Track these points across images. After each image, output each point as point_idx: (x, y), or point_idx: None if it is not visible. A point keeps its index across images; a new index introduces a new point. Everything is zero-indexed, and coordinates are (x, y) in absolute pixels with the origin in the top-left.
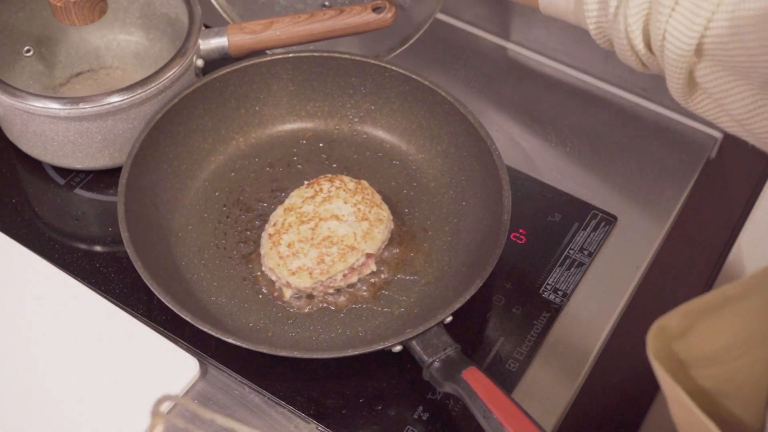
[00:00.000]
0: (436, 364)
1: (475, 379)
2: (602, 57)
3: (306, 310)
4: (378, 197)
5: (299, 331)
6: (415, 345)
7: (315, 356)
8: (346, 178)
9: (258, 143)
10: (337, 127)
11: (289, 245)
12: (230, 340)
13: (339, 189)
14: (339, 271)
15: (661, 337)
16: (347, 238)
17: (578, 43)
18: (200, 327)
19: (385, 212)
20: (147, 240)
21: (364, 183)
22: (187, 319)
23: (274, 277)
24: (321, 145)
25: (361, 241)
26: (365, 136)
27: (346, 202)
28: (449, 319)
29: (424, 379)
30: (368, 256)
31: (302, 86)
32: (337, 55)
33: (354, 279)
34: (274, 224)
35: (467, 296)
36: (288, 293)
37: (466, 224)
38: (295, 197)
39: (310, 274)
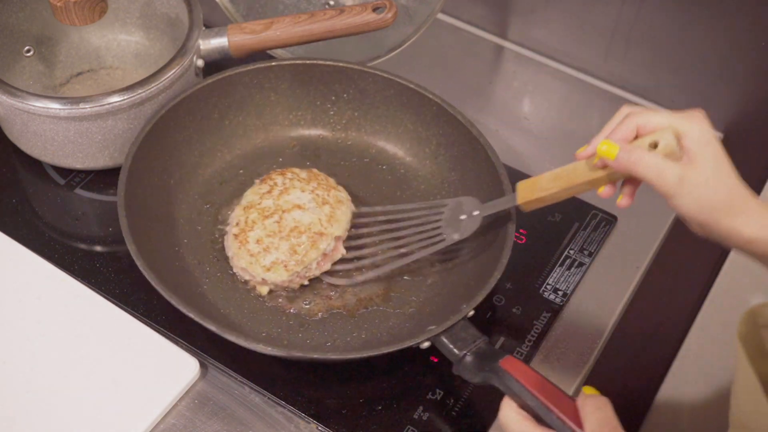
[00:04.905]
0: (469, 357)
1: (514, 366)
2: (602, 57)
3: (318, 317)
4: (332, 181)
5: (315, 337)
6: (445, 340)
7: (350, 357)
8: (296, 169)
9: (243, 154)
10: (321, 135)
11: (257, 241)
12: (259, 348)
13: (292, 180)
14: (313, 259)
15: (751, 322)
16: (314, 225)
17: (578, 43)
18: (226, 336)
19: (342, 193)
20: (151, 251)
21: (315, 170)
22: (212, 329)
23: (247, 276)
24: (306, 153)
25: (328, 225)
26: (350, 142)
27: (303, 191)
28: (471, 313)
29: (454, 374)
30: (337, 239)
31: (284, 95)
32: (320, 62)
33: (327, 266)
34: (237, 224)
35: (488, 289)
36: (264, 290)
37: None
38: (250, 195)
39: (285, 266)
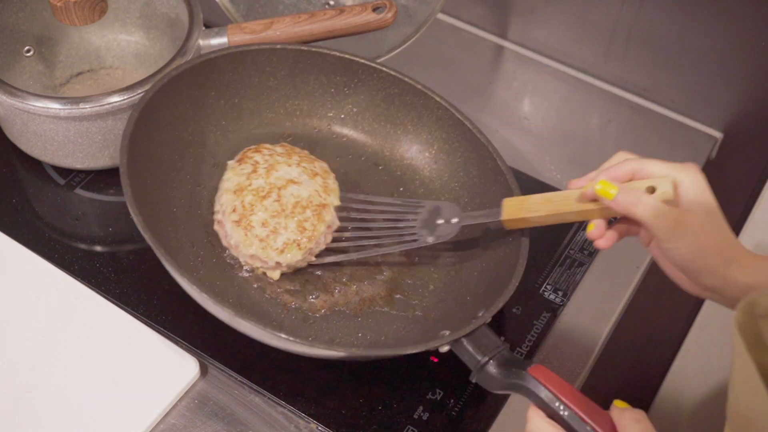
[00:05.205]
0: (492, 364)
1: (544, 375)
2: (602, 57)
3: (320, 313)
4: (306, 152)
5: (319, 334)
6: (467, 345)
7: (373, 353)
8: (267, 145)
9: (236, 139)
10: (316, 128)
11: (263, 224)
12: (281, 337)
13: (272, 155)
14: (322, 233)
15: (749, 311)
16: (314, 197)
17: (578, 43)
18: (240, 322)
19: (324, 163)
20: (149, 226)
21: (286, 144)
22: (223, 317)
23: (258, 263)
24: (300, 145)
25: (326, 195)
26: (345, 138)
27: (289, 165)
28: (489, 319)
29: (472, 381)
30: (336, 209)
31: (283, 82)
32: (324, 51)
33: (330, 238)
34: (234, 210)
35: (507, 296)
36: (276, 274)
37: (466, 230)
38: (235, 177)
39: (298, 245)
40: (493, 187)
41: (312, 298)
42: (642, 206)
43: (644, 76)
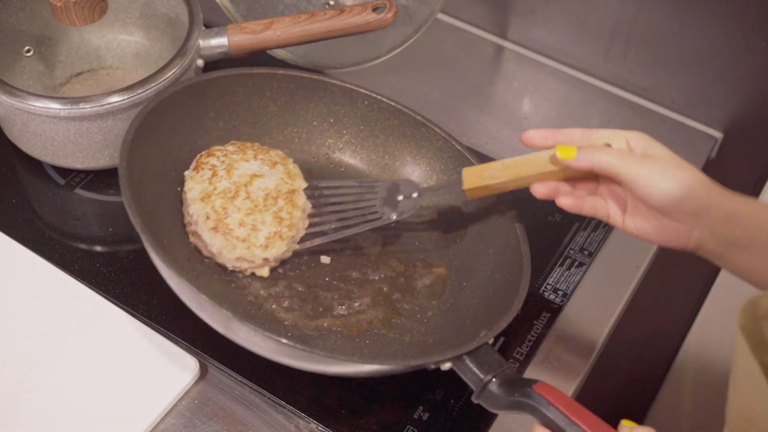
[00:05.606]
0: (495, 382)
1: (550, 392)
2: (602, 57)
3: (318, 332)
4: (257, 144)
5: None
6: (469, 362)
7: (373, 364)
8: (218, 146)
9: None
10: (314, 157)
11: (241, 224)
12: (281, 342)
13: (227, 155)
14: (299, 218)
15: (750, 312)
16: (281, 185)
17: (578, 43)
18: (239, 326)
19: (279, 151)
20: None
21: (236, 141)
22: (219, 323)
23: (245, 265)
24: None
25: (291, 181)
26: (342, 168)
27: (247, 161)
28: (491, 340)
29: (473, 402)
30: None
31: (283, 108)
32: (326, 79)
33: (307, 223)
34: (207, 217)
35: (510, 317)
36: (265, 271)
37: (465, 260)
38: (197, 186)
39: (280, 236)
40: (493, 215)
41: (309, 317)
42: (605, 154)
43: (644, 76)
